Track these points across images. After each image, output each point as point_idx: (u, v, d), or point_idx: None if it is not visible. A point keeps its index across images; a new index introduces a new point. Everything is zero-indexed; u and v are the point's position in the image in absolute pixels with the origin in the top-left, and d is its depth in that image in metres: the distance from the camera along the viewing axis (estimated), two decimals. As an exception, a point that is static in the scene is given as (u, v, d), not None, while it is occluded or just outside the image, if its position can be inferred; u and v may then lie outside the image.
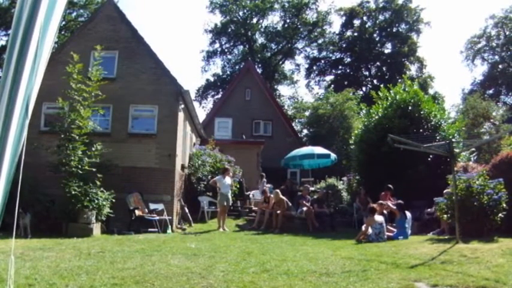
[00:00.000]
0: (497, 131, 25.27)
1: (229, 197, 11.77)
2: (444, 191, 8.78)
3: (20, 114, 1.82)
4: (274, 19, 51.17)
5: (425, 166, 11.69)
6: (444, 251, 6.19)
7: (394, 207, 9.89)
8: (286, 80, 40.71)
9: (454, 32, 62.67)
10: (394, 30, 37.27)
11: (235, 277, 4.34)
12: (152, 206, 11.16)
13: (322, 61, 39.72)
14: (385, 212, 9.82)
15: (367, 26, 37.82)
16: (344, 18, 37.96)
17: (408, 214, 9.57)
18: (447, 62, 63.46)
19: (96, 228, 9.66)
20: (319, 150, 15.58)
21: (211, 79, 38.97)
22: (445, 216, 8.43)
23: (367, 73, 38.91)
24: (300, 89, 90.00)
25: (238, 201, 15.23)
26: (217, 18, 49.96)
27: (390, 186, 11.12)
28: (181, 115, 12.69)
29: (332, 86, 35.21)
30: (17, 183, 2.02)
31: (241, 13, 38.92)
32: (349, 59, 38.75)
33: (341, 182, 16.08)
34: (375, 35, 37.91)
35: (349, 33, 38.51)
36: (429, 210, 10.33)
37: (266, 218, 11.78)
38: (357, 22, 38.19)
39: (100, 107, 11.00)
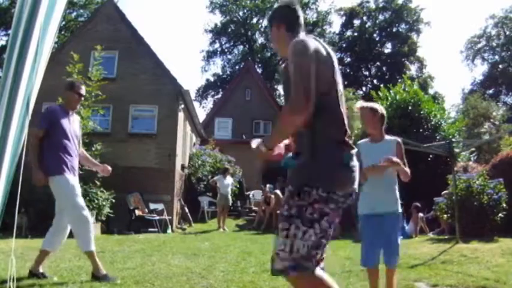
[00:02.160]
0: (498, 131, 25.28)
1: (229, 197, 11.78)
2: (442, 193, 8.79)
3: (20, 114, 1.82)
4: (274, 19, 51.09)
5: (425, 166, 11.68)
6: (444, 251, 6.19)
7: None
8: (286, 80, 40.70)
9: (454, 32, 62.75)
10: (394, 30, 37.27)
11: (235, 277, 4.33)
12: (152, 206, 11.17)
13: (322, 61, 39.71)
14: None
15: (367, 26, 37.81)
16: (344, 18, 37.97)
17: (420, 214, 9.64)
18: (447, 62, 63.54)
19: (96, 228, 9.66)
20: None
21: (211, 79, 39.02)
22: (445, 216, 8.42)
23: (367, 73, 38.92)
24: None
25: (238, 201, 15.25)
26: (217, 18, 49.93)
27: None
28: (181, 115, 12.70)
29: (332, 86, 35.19)
30: (17, 183, 2.02)
31: (241, 13, 38.93)
32: (349, 59, 38.74)
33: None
34: (374, 35, 37.91)
35: (349, 33, 38.52)
36: (428, 215, 10.35)
37: (266, 218, 11.79)
38: (357, 22, 38.20)
39: (100, 107, 11.00)
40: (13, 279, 1.92)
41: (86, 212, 3.88)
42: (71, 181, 3.88)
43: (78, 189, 3.94)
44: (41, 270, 3.91)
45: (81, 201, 3.88)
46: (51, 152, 3.84)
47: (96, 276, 3.85)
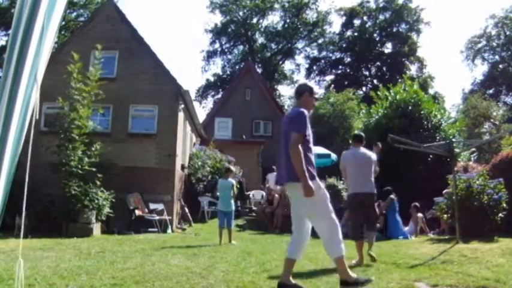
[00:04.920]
0: (498, 131, 25.26)
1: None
2: (444, 191, 8.79)
3: (20, 114, 1.82)
4: (274, 19, 51.27)
5: (426, 166, 11.69)
6: (444, 251, 6.18)
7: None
8: (286, 80, 40.73)
9: (454, 32, 62.74)
10: (394, 30, 37.26)
11: (235, 277, 4.33)
12: (152, 206, 11.16)
13: (322, 61, 39.73)
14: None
15: (367, 26, 37.80)
16: (344, 18, 37.96)
17: (420, 215, 9.67)
18: (447, 62, 63.51)
19: (96, 228, 9.66)
20: (319, 150, 15.57)
21: (211, 79, 39.01)
22: (445, 216, 8.43)
23: (367, 73, 38.91)
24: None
25: (238, 201, 15.25)
26: (217, 18, 50.02)
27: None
28: (181, 115, 12.69)
29: (332, 86, 35.21)
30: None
31: (241, 13, 38.93)
32: (349, 59, 38.74)
33: (341, 182, 16.06)
34: (375, 35, 37.90)
35: (349, 33, 38.52)
36: (429, 213, 10.37)
37: (267, 218, 11.79)
38: (357, 22, 38.20)
39: (100, 107, 11.01)
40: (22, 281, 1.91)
41: (334, 216, 3.71)
42: (322, 186, 3.75)
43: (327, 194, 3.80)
44: (292, 282, 3.74)
45: (330, 206, 3.72)
46: (304, 156, 3.66)
47: (346, 282, 3.63)
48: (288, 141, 3.72)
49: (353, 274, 3.71)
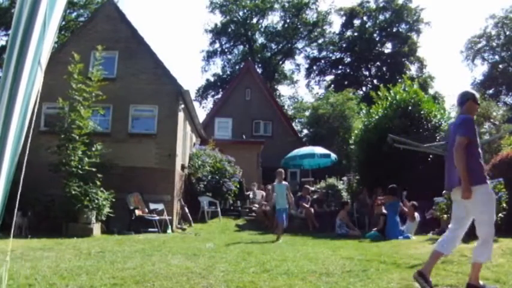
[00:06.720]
0: (498, 131, 25.25)
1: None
2: (444, 191, 8.79)
3: (20, 114, 1.82)
4: (274, 19, 51.26)
5: (426, 166, 11.68)
6: (444, 251, 6.17)
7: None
8: (286, 80, 40.72)
9: (454, 32, 62.74)
10: (394, 30, 37.25)
11: (235, 277, 4.34)
12: (152, 206, 11.16)
13: (322, 61, 39.72)
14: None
15: (367, 26, 37.80)
16: (344, 18, 37.96)
17: (417, 215, 9.67)
18: (447, 62, 63.52)
19: (96, 228, 9.66)
20: (319, 150, 15.59)
21: (211, 79, 39.02)
22: (445, 216, 8.42)
23: (367, 73, 38.91)
24: (300, 89, 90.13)
25: (238, 201, 15.26)
26: (217, 18, 50.01)
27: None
28: (181, 115, 12.69)
29: (332, 86, 35.23)
30: (17, 183, 2.02)
31: (241, 13, 38.94)
32: (349, 59, 38.73)
33: (341, 182, 16.08)
34: (375, 35, 37.89)
35: (349, 33, 38.50)
36: (429, 213, 10.37)
37: (268, 217, 11.78)
38: (357, 22, 38.19)
39: (100, 107, 11.00)
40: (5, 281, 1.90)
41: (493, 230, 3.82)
42: (492, 193, 3.88)
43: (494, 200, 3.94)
44: (481, 283, 3.77)
45: (494, 217, 3.88)
46: (474, 161, 3.79)
47: (473, 286, 3.76)
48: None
49: (481, 282, 3.81)
